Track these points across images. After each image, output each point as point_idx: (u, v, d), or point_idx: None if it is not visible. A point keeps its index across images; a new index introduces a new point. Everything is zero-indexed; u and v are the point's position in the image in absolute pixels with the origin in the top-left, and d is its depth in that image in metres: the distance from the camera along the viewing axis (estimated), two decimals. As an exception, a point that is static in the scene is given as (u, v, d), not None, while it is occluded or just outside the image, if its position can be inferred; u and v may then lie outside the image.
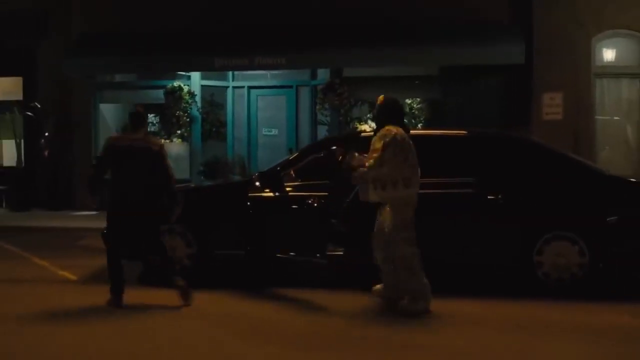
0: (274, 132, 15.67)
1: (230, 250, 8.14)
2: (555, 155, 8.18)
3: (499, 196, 7.68)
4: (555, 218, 7.68)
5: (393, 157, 6.71)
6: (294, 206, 7.91)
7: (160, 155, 7.21)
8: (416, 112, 15.20)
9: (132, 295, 7.26)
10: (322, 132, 15.16)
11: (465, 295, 7.60)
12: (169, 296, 7.20)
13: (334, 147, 7.33)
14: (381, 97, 7.17)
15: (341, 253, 7.79)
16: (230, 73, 15.54)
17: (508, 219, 7.70)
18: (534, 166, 7.98)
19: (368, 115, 15.15)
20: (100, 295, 7.21)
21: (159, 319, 6.75)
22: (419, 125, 14.95)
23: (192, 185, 10.97)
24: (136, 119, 7.38)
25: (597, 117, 13.85)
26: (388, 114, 7.00)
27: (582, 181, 7.89)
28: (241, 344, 5.98)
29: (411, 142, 6.89)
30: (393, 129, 6.82)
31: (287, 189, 7.99)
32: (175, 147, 15.23)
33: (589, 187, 7.82)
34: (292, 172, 8.03)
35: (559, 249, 7.62)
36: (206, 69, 14.77)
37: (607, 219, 7.58)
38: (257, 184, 8.05)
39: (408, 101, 15.16)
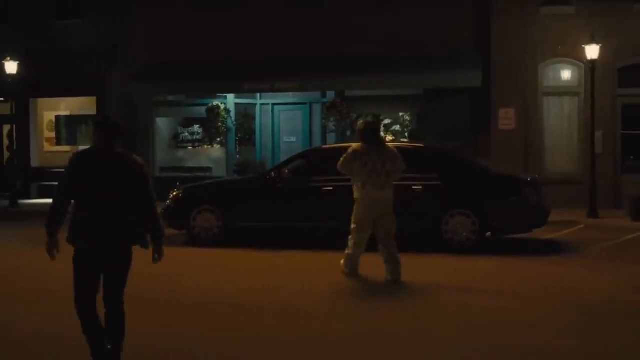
0: (293, 139, 19.69)
1: (247, 222, 12.28)
2: (461, 159, 12.12)
3: (419, 187, 11.60)
4: (457, 201, 11.59)
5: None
6: (283, 194, 12.05)
7: (142, 173, 5.50)
8: (407, 124, 19.19)
9: (177, 253, 11.41)
10: (331, 139, 19.11)
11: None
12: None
13: None
14: (360, 123, 10.00)
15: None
16: (258, 93, 19.60)
17: (425, 201, 11.61)
18: (447, 167, 11.86)
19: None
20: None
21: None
22: (406, 134, 18.96)
23: (220, 179, 15.12)
24: (111, 128, 5.43)
25: (543, 127, 17.61)
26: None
27: (476, 177, 11.80)
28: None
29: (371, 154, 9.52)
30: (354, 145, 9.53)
31: (280, 182, 12.05)
32: (215, 151, 19.54)
33: (480, 181, 11.74)
34: (286, 171, 12.12)
35: (459, 221, 11.49)
36: (237, 91, 19.02)
37: (490, 202, 11.51)
38: (263, 178, 12.21)
39: (400, 114, 19.20)
